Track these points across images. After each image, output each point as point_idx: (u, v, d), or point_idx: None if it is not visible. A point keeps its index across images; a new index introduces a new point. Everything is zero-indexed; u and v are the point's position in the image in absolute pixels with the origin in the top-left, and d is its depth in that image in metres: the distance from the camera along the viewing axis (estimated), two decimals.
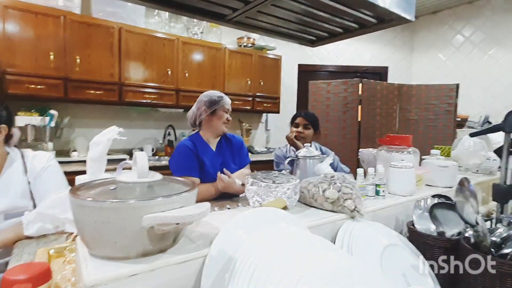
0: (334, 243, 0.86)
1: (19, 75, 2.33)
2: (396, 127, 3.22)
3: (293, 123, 2.04)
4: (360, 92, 2.94)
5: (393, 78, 4.37)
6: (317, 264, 0.56)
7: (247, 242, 0.66)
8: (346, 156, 2.75)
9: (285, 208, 0.91)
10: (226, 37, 3.65)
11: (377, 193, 1.13)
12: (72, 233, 1.01)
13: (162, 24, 3.17)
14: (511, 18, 3.49)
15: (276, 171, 1.05)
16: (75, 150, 2.70)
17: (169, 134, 3.36)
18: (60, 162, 2.41)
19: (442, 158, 1.43)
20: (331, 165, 1.23)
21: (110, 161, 1.24)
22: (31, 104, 2.53)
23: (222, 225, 0.73)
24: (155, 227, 0.58)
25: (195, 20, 3.33)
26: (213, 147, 1.66)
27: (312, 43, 1.39)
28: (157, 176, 0.69)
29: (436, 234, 0.94)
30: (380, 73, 4.40)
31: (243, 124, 3.79)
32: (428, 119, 3.09)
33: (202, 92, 3.23)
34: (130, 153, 2.97)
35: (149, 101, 2.93)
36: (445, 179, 1.37)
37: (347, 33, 1.22)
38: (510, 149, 1.03)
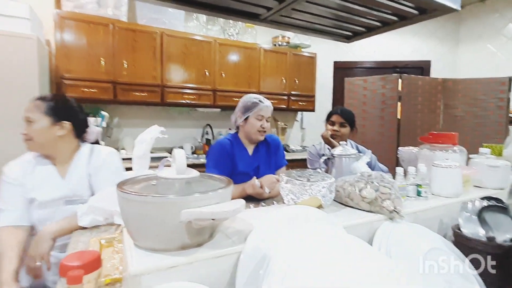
0: (371, 244, 0.83)
1: (75, 79, 2.55)
2: (439, 124, 3.02)
3: (328, 120, 1.99)
4: (399, 88, 2.80)
5: (436, 72, 4.10)
6: (355, 267, 0.55)
7: (282, 239, 0.66)
8: (384, 155, 2.63)
9: (320, 207, 0.90)
10: (261, 36, 3.67)
11: (418, 193, 1.08)
12: (120, 225, 1.09)
13: (200, 27, 3.28)
14: None
15: (311, 170, 1.04)
16: (123, 148, 2.92)
17: (207, 133, 3.47)
18: None
19: (493, 157, 1.32)
20: (368, 164, 1.19)
21: (152, 159, 1.32)
22: (85, 106, 2.74)
23: (256, 222, 0.74)
24: (193, 221, 0.61)
25: (231, 21, 3.39)
26: (250, 150, 1.63)
27: (348, 39, 1.35)
28: (195, 173, 0.72)
29: (486, 239, 0.88)
30: (421, 68, 4.15)
31: (278, 122, 3.79)
32: (476, 116, 2.86)
33: (237, 92, 3.30)
34: (171, 151, 3.10)
35: (188, 101, 3.05)
36: (495, 180, 1.26)
37: (386, 26, 1.16)
38: None
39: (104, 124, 2.68)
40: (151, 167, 1.20)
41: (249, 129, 1.55)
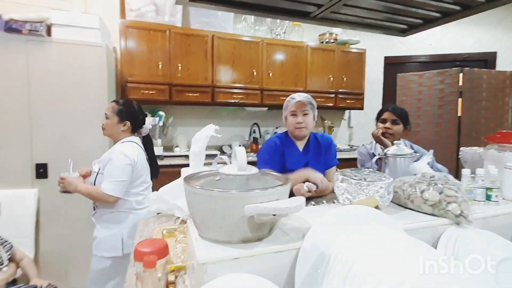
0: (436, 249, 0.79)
1: (136, 82, 2.77)
2: (508, 122, 2.73)
3: (379, 118, 1.90)
4: (460, 83, 2.59)
5: (503, 65, 3.69)
6: (420, 270, 0.53)
7: (341, 239, 0.66)
8: (442, 156, 2.46)
9: (377, 207, 0.87)
10: (308, 34, 3.64)
11: (488, 198, 1.00)
12: (179, 217, 1.17)
13: (248, 28, 3.35)
14: None
15: (366, 169, 1.01)
16: (177, 146, 3.10)
17: (254, 132, 3.54)
18: (166, 156, 2.88)
19: None
20: (428, 163, 1.13)
21: (206, 156, 1.39)
22: (145, 107, 2.97)
23: (313, 220, 0.74)
24: (255, 216, 0.63)
25: (278, 21, 3.41)
26: (300, 147, 1.63)
27: (404, 32, 1.28)
28: (254, 170, 0.75)
29: None
30: (485, 60, 3.77)
31: (325, 121, 3.72)
32: None
33: (284, 91, 3.31)
34: (220, 149, 3.27)
35: (236, 101, 3.13)
36: None
37: (446, 17, 1.08)
38: None
39: (161, 123, 2.88)
40: (205, 164, 1.26)
41: (288, 127, 1.61)
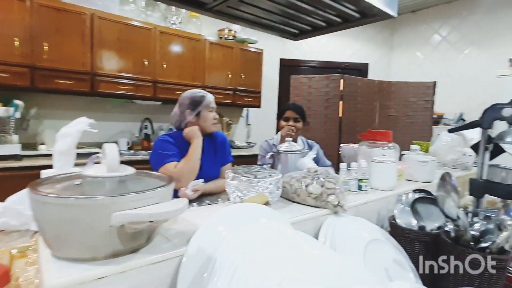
0: (317, 238, 0.84)
1: None
2: (376, 123, 3.26)
3: (282, 116, 2.00)
4: (341, 88, 2.95)
5: (373, 74, 4.44)
6: (301, 263, 0.53)
7: (228, 239, 0.63)
8: (328, 151, 2.74)
9: (267, 203, 0.88)
10: (206, 28, 3.55)
11: (359, 188, 1.13)
12: (37, 231, 0.94)
13: (138, 12, 3.04)
14: (486, 19, 3.61)
15: (258, 166, 1.01)
16: (43, 143, 2.54)
17: (145, 128, 3.24)
18: (25, 156, 2.32)
19: (422, 154, 1.45)
20: (316, 158, 1.21)
21: (82, 155, 1.17)
22: None
23: (201, 222, 0.69)
24: (126, 225, 0.53)
25: (173, 9, 3.22)
26: None
27: (295, 36, 1.36)
28: (129, 170, 0.64)
29: (417, 229, 0.95)
30: (360, 70, 4.45)
31: (224, 118, 3.73)
32: (407, 116, 3.16)
33: (181, 85, 3.15)
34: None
35: (124, 92, 2.79)
36: (424, 174, 1.38)
37: (330, 27, 1.21)
38: (487, 145, 1.04)
39: (17, 115, 2.31)
40: (77, 165, 1.05)
41: (203, 123, 1.52)
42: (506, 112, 0.93)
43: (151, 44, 2.90)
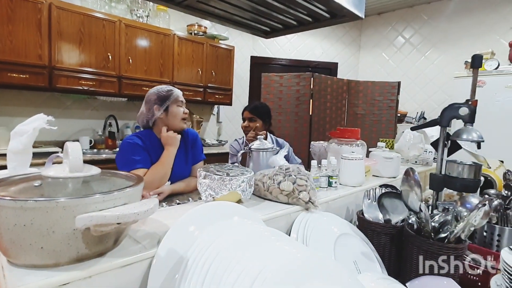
0: (289, 235, 0.85)
1: None
2: (344, 121, 3.37)
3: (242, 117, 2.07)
4: (312, 86, 3.00)
5: (342, 74, 4.58)
6: (273, 259, 0.54)
7: (200, 239, 0.62)
8: (298, 149, 2.81)
9: (239, 201, 0.87)
10: (175, 23, 3.45)
11: (329, 184, 1.16)
12: None
13: (102, 3, 2.87)
14: (445, 24, 3.86)
15: (230, 164, 1.00)
16: None
17: (110, 125, 3.09)
18: None
19: (387, 150, 1.52)
20: (286, 157, 1.22)
21: (39, 155, 1.09)
22: None
23: (171, 222, 0.67)
24: (91, 228, 0.50)
25: (139, 1, 3.10)
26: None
27: (266, 34, 1.36)
28: (94, 170, 0.60)
29: (383, 222, 0.99)
30: (330, 69, 4.57)
31: (194, 115, 3.66)
32: (373, 114, 3.29)
33: (148, 81, 3.04)
34: (63, 146, 2.65)
35: (86, 87, 2.63)
36: (390, 170, 1.45)
37: (301, 26, 1.22)
38: (445, 142, 1.11)
39: None
40: (34, 165, 0.98)
41: (172, 118, 1.46)
42: (462, 111, 1.00)
43: (116, 38, 2.76)
